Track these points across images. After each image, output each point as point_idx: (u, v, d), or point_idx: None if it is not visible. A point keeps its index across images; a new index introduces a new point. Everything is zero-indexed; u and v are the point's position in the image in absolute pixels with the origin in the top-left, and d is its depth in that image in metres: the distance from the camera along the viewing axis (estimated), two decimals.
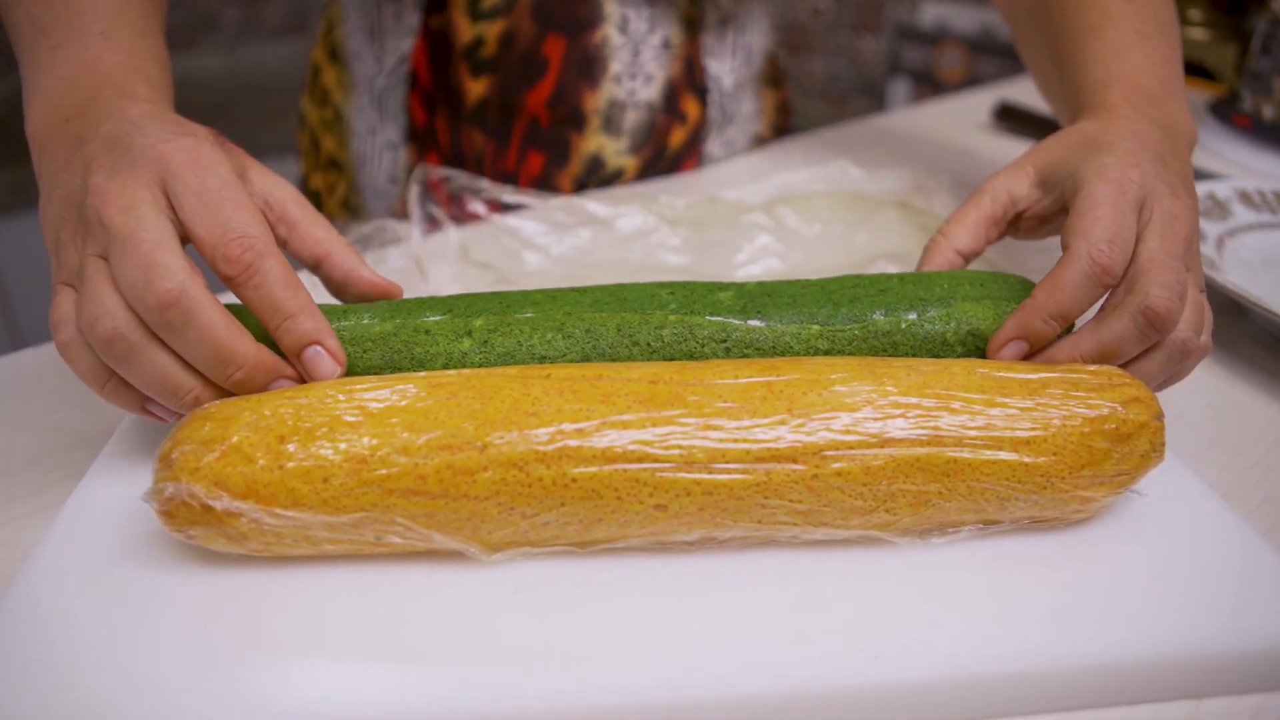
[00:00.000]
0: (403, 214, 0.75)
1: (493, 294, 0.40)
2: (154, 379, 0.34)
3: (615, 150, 0.72)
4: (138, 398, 0.36)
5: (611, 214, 0.61)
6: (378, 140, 0.76)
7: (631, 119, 0.72)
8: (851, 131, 0.88)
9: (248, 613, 0.31)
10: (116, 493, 0.36)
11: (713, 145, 0.78)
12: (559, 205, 0.63)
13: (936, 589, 0.32)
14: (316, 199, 0.82)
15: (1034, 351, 0.38)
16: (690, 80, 0.74)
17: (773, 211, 0.63)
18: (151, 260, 0.32)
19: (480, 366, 0.38)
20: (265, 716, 0.27)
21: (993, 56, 1.69)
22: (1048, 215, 0.44)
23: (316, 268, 0.40)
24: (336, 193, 0.79)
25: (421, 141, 0.74)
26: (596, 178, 0.73)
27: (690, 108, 0.74)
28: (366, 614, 0.31)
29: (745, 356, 0.38)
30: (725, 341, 0.38)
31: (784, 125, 0.86)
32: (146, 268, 0.32)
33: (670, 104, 0.73)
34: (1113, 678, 0.30)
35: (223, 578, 0.32)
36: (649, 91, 0.72)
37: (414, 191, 0.61)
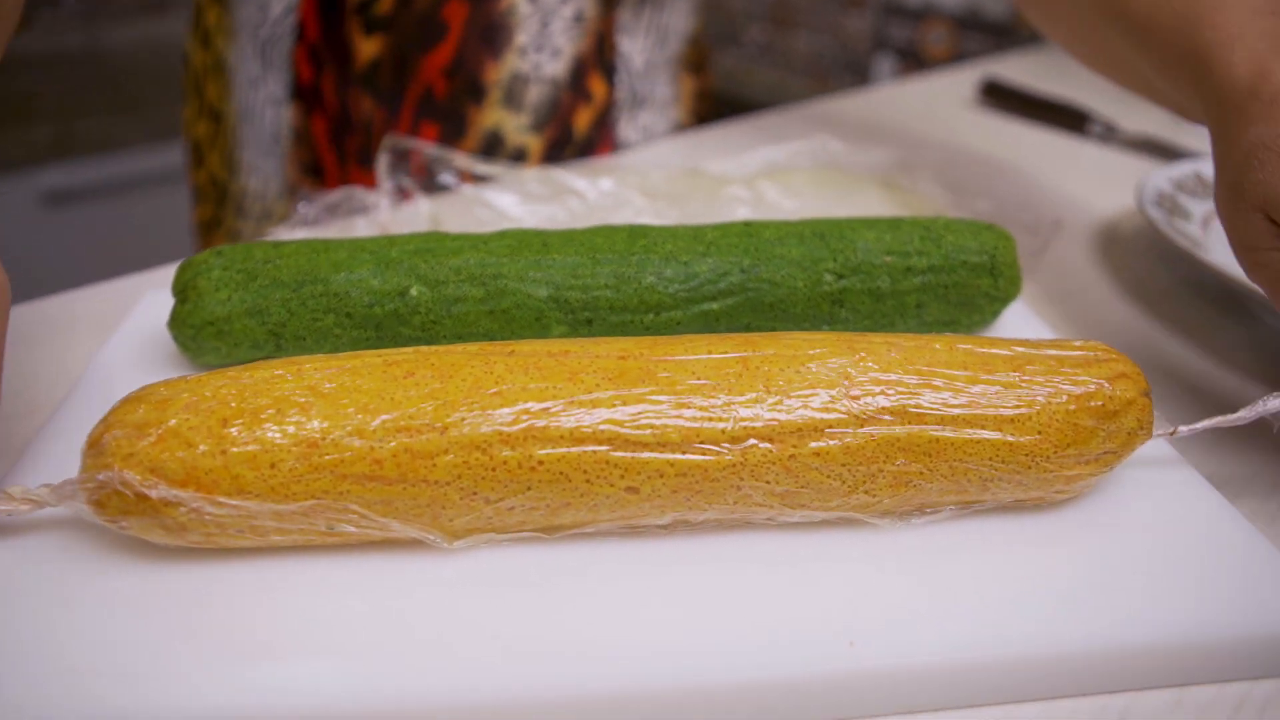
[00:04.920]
0: (292, 177, 0.72)
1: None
2: None
3: (516, 126, 0.69)
4: None
5: (587, 186, 0.59)
6: (260, 94, 0.71)
7: (534, 94, 0.68)
8: (833, 107, 0.86)
9: (187, 609, 0.29)
10: (45, 480, 0.34)
11: (626, 130, 0.75)
12: (533, 176, 0.61)
13: (916, 572, 0.31)
14: (198, 149, 0.77)
15: None
16: (599, 57, 0.70)
17: (753, 185, 0.62)
18: None
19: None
20: (204, 713, 0.26)
21: (979, 33, 1.67)
22: None
23: None
24: (219, 145, 0.75)
25: (307, 100, 0.70)
26: (497, 156, 0.70)
27: (596, 87, 0.71)
28: (318, 607, 0.29)
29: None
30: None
31: (705, 115, 0.83)
32: None
33: (576, 81, 0.70)
34: (1094, 665, 0.29)
35: (159, 572, 0.30)
36: (555, 66, 0.68)
37: (383, 160, 0.59)
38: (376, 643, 0.28)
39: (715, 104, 0.85)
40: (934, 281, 0.41)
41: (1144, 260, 0.59)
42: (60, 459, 0.35)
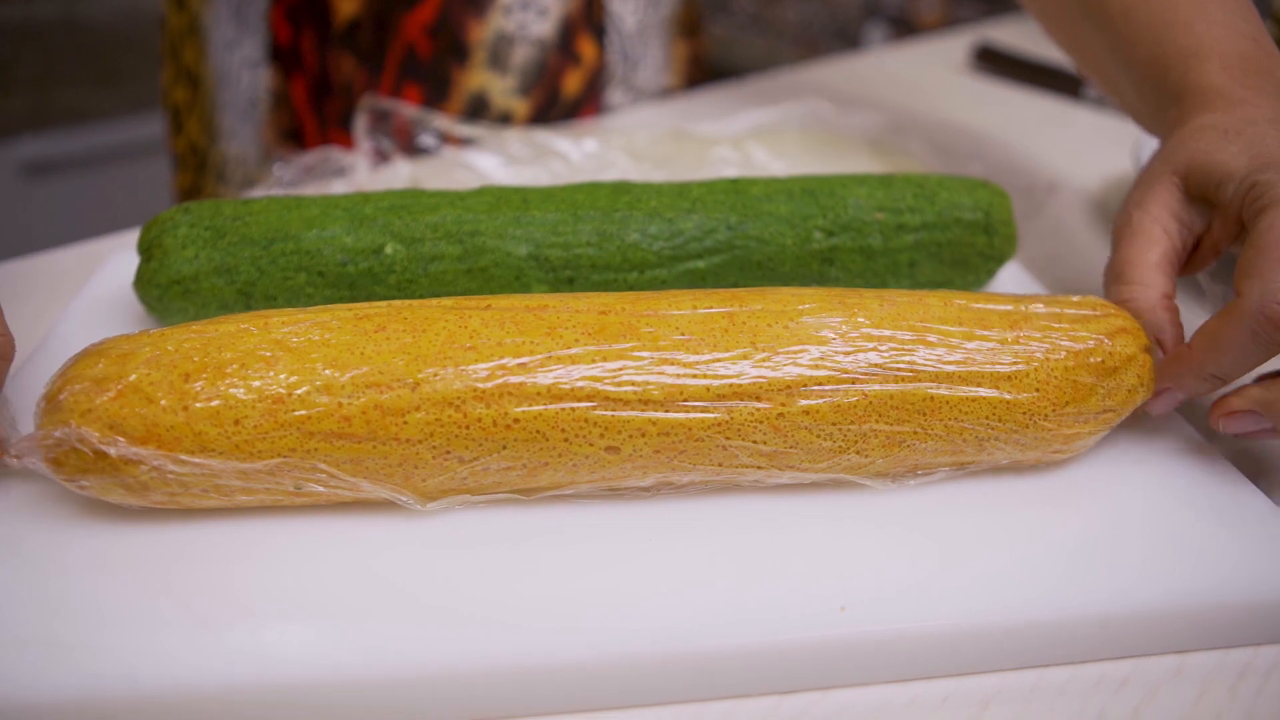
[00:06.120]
0: (270, 141, 0.70)
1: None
2: None
3: (502, 89, 0.67)
4: None
5: (571, 147, 0.58)
6: (236, 56, 0.69)
7: (520, 55, 0.66)
8: (823, 73, 0.84)
9: (154, 572, 0.28)
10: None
11: (614, 94, 0.73)
12: (516, 138, 0.59)
13: (909, 536, 0.30)
14: (177, 115, 0.75)
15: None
16: (589, 18, 0.68)
17: (741, 147, 0.60)
18: None
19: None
20: (173, 680, 0.25)
21: (970, 0, 1.65)
22: (1220, 242, 0.36)
23: None
24: (197, 111, 0.73)
25: (285, 62, 0.68)
26: (482, 120, 0.68)
27: (586, 49, 0.69)
28: (287, 570, 0.28)
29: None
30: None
31: (698, 81, 0.80)
32: None
33: (565, 43, 0.67)
34: (1093, 631, 0.28)
35: (124, 534, 0.29)
36: (542, 26, 0.66)
37: (361, 121, 0.57)
38: (349, 608, 0.27)
39: (707, 71, 0.83)
40: (927, 239, 0.40)
41: None
42: (19, 423, 0.34)
